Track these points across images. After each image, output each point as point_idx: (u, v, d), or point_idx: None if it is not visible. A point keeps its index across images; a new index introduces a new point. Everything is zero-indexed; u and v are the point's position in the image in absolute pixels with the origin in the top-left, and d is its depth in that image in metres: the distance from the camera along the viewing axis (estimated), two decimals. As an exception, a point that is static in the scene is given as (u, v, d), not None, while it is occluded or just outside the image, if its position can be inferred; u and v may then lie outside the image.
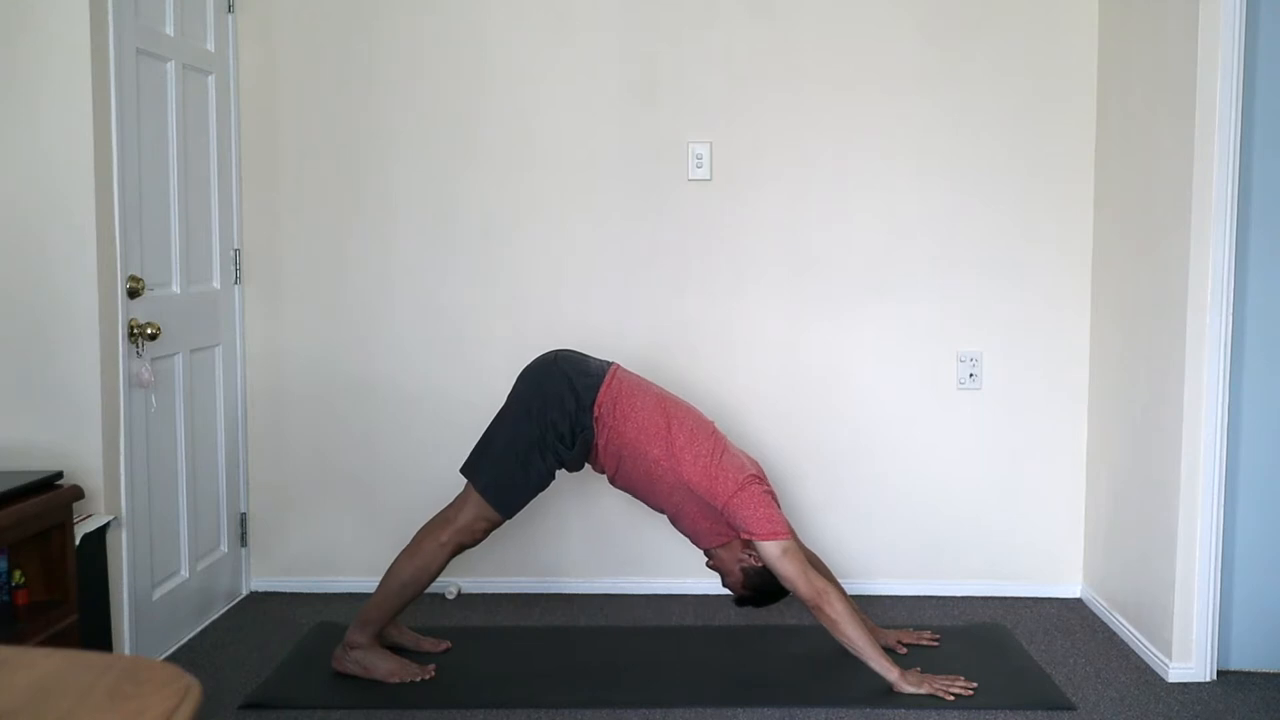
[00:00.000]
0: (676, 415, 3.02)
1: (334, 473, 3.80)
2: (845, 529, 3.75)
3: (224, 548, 3.67)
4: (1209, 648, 3.04)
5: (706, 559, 3.15)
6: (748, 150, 3.68)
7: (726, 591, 3.21)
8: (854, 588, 3.60)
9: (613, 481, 3.10)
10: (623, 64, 3.67)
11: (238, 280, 3.72)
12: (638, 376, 3.12)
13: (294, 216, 3.74)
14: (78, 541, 2.73)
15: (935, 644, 3.26)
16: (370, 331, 3.76)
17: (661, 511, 3.11)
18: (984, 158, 3.66)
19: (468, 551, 3.09)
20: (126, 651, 3.00)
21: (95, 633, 2.83)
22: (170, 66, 3.27)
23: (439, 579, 3.09)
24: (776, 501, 3.01)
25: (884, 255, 3.69)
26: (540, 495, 3.08)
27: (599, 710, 2.86)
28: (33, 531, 2.59)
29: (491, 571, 3.76)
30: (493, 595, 3.77)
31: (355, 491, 3.80)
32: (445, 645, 3.23)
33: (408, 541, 3.07)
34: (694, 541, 3.13)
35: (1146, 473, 3.23)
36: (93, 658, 1.29)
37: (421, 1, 3.68)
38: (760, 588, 3.08)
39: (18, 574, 2.65)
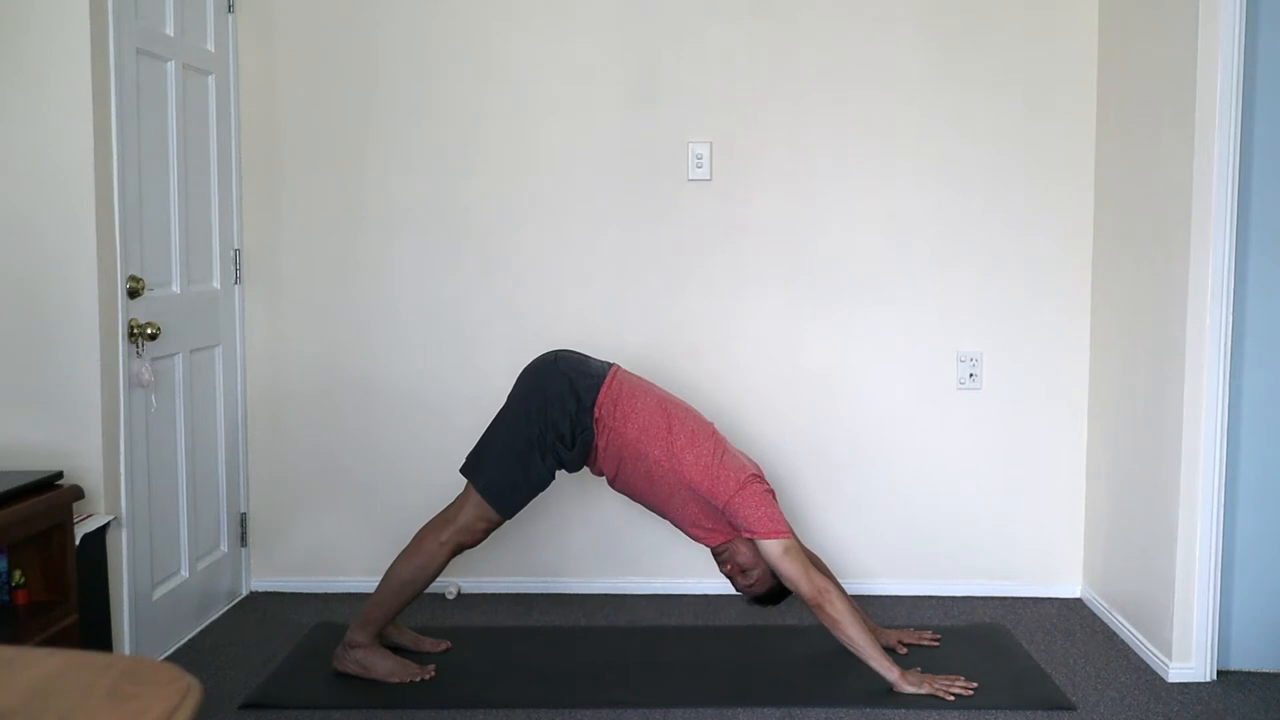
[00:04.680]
0: (677, 416, 3.02)
1: (334, 473, 3.80)
2: (845, 529, 3.75)
3: (224, 548, 3.67)
4: (1209, 648, 3.04)
5: (720, 564, 3.12)
6: (748, 150, 3.68)
7: (726, 592, 3.21)
8: (854, 588, 3.60)
9: (613, 484, 3.10)
10: (623, 64, 3.67)
11: (238, 280, 3.72)
12: (638, 377, 3.12)
13: (294, 216, 3.74)
14: (78, 541, 2.73)
15: (935, 644, 3.26)
16: (370, 331, 3.76)
17: (662, 514, 3.10)
18: (984, 157, 3.66)
19: (468, 551, 3.09)
20: (126, 651, 3.00)
21: (95, 633, 2.83)
22: (170, 66, 3.27)
23: (439, 579, 3.09)
24: (776, 501, 3.01)
25: (884, 255, 3.69)
26: (540, 495, 3.08)
27: (599, 710, 2.86)
28: (33, 531, 2.59)
29: (491, 571, 3.77)
30: (493, 595, 3.77)
31: (355, 491, 3.80)
32: (445, 645, 3.23)
33: (408, 541, 3.07)
34: (700, 541, 3.11)
35: (1146, 473, 3.23)
36: (93, 658, 1.29)
37: (422, 2, 3.68)
38: (760, 595, 3.09)
39: (18, 574, 2.65)
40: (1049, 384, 3.71)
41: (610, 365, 3.09)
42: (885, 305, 3.70)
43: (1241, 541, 3.06)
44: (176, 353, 3.31)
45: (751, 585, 3.08)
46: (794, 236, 3.69)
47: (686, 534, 3.11)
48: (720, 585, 3.55)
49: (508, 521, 3.07)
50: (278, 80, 3.70)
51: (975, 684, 2.93)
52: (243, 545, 3.79)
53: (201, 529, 3.50)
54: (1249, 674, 3.08)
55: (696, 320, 3.72)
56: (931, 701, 2.86)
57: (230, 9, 3.64)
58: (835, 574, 3.29)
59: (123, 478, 2.99)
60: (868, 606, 3.46)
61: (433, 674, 3.04)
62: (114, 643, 2.95)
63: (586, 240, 3.71)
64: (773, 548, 2.91)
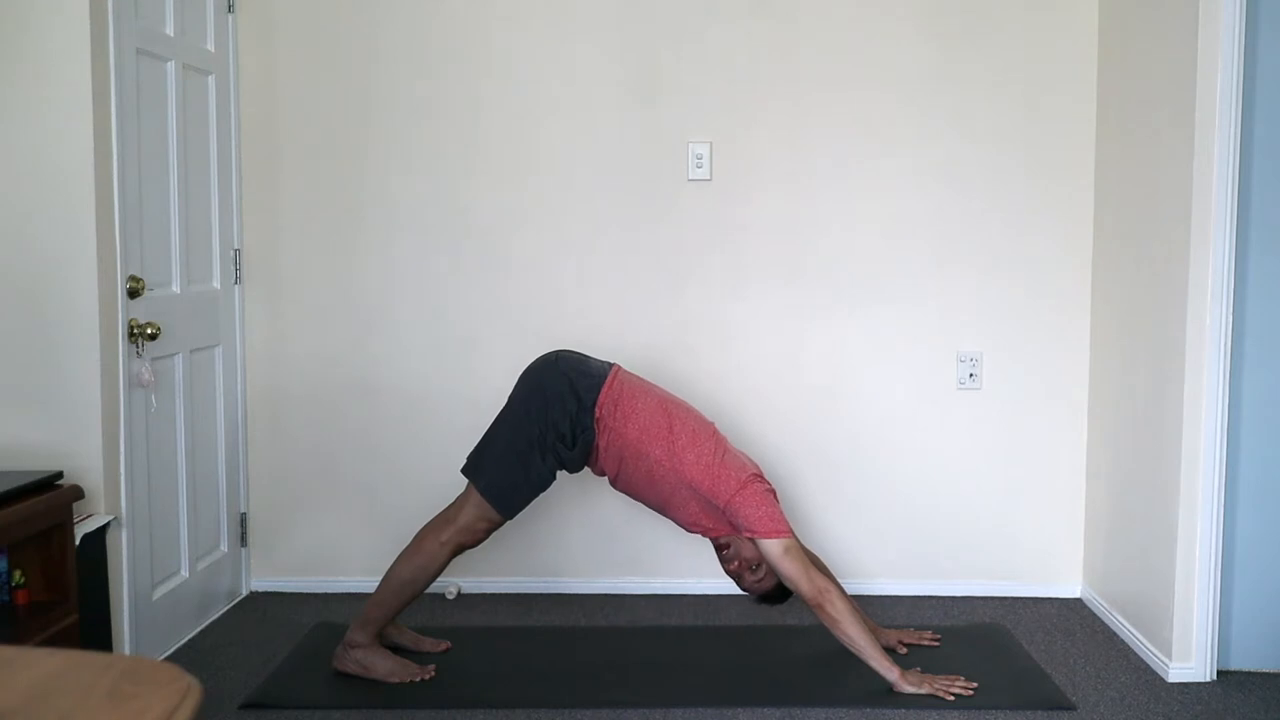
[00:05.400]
0: (678, 416, 3.02)
1: (334, 473, 3.80)
2: (845, 529, 3.75)
3: (224, 548, 3.67)
4: (1209, 648, 3.04)
5: (725, 563, 3.11)
6: (748, 150, 3.68)
7: (726, 592, 3.21)
8: (854, 588, 3.60)
9: (614, 484, 3.09)
10: (623, 64, 3.67)
11: (238, 280, 3.72)
12: (638, 378, 3.12)
13: (294, 216, 3.74)
14: (78, 541, 2.73)
15: (936, 644, 3.26)
16: (370, 331, 3.76)
17: (663, 513, 3.10)
18: (984, 157, 3.66)
19: (468, 551, 3.09)
20: (126, 651, 3.00)
21: (95, 633, 2.83)
22: (170, 66, 3.27)
23: (439, 579, 3.09)
24: (777, 500, 3.01)
25: (884, 255, 3.69)
26: (540, 495, 3.08)
27: (599, 710, 2.86)
28: (33, 531, 2.59)
29: (491, 571, 3.77)
30: (493, 595, 3.77)
31: (356, 491, 3.80)
32: (445, 645, 3.23)
33: (408, 541, 3.07)
34: (705, 536, 3.10)
35: (1146, 472, 3.23)
36: (93, 658, 1.29)
37: (422, 2, 3.68)
38: (766, 592, 3.10)
39: (18, 574, 2.65)
40: (1049, 384, 3.71)
41: (611, 365, 3.10)
42: (885, 305, 3.70)
43: (1241, 541, 3.06)
44: (176, 353, 3.31)
45: (760, 581, 3.07)
46: (794, 236, 3.69)
47: (688, 533, 3.11)
48: (720, 585, 3.55)
49: (508, 521, 3.07)
50: (278, 80, 3.70)
51: (975, 684, 2.93)
52: (243, 545, 3.79)
53: (201, 529, 3.50)
54: (1249, 674, 3.08)
55: (696, 320, 3.72)
56: (931, 701, 2.86)
57: (230, 9, 3.64)
58: (835, 574, 3.29)
59: (123, 478, 2.99)
60: (868, 606, 3.46)
61: (433, 674, 3.04)
62: (114, 643, 2.95)
63: (586, 240, 3.71)
64: (773, 547, 2.91)
